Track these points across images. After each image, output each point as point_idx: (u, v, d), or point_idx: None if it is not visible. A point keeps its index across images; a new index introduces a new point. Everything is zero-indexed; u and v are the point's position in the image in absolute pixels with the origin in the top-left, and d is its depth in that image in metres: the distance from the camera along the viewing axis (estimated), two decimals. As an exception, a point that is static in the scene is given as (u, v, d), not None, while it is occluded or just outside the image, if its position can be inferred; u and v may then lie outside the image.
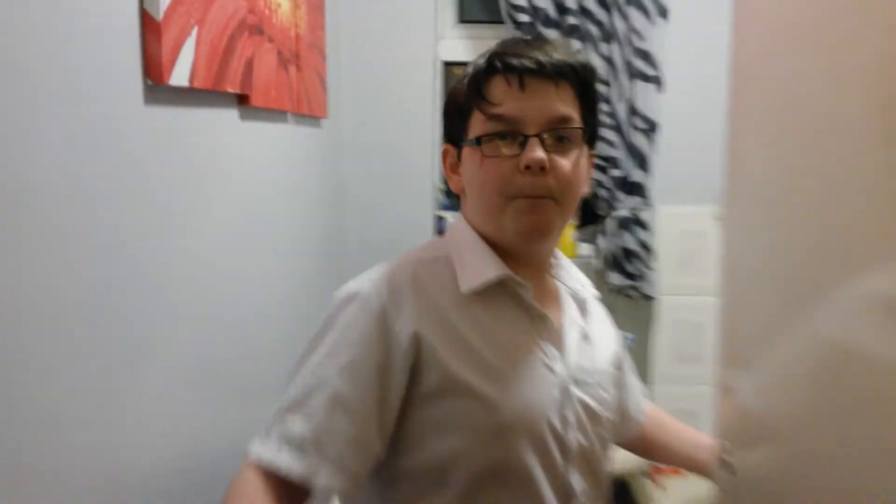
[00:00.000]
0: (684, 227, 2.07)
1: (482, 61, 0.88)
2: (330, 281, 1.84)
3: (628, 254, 2.01)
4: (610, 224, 2.00)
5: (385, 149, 2.04)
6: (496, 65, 0.86)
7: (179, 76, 0.80)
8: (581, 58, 0.90)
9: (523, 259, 0.91)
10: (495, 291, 0.88)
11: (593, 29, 1.92)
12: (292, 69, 1.33)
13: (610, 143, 1.96)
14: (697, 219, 2.06)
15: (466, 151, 0.90)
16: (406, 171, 2.05)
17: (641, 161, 1.96)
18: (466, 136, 0.90)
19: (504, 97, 0.86)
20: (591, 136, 0.92)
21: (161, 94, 0.80)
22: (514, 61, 0.85)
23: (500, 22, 1.98)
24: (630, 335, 2.01)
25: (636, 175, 1.97)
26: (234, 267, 1.09)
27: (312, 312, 1.59)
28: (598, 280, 2.06)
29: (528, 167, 0.84)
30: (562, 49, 0.88)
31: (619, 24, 1.91)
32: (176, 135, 0.86)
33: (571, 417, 0.88)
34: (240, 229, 1.12)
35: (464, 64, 2.14)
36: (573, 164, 0.87)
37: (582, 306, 0.98)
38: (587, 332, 0.96)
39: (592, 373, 0.93)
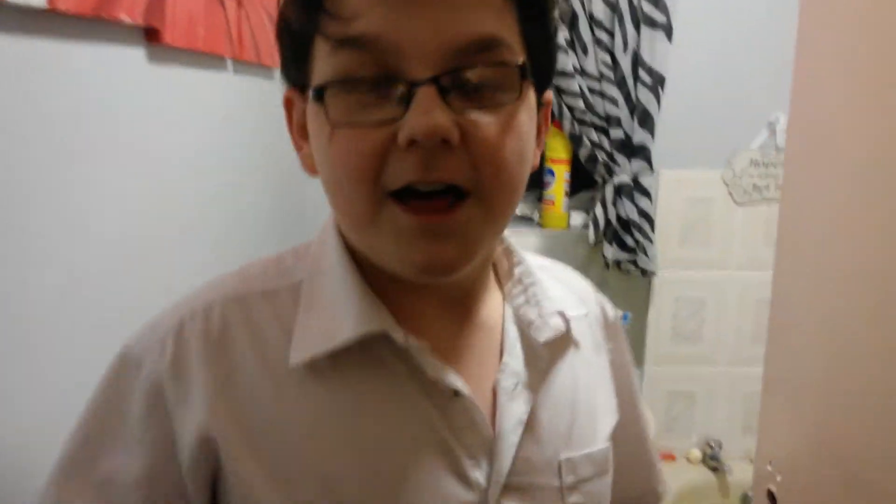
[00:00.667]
0: (689, 193, 1.87)
1: None
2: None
3: (626, 224, 1.80)
4: (608, 191, 1.79)
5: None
6: None
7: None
8: None
9: (425, 286, 0.54)
10: (367, 349, 0.51)
11: (594, -33, 1.67)
12: (230, 4, 1.09)
13: (612, 100, 1.73)
14: (704, 184, 1.86)
15: (310, 110, 0.50)
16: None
17: (646, 120, 1.74)
18: (309, 83, 0.50)
19: (364, 4, 0.45)
20: (540, 72, 0.52)
21: None
22: None
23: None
24: (624, 313, 1.82)
25: (639, 136, 1.75)
26: (135, 265, 0.88)
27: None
28: (593, 253, 1.86)
29: (413, 141, 0.45)
30: None
31: (625, -38, 1.66)
32: (22, 80, 0.64)
33: None
34: (148, 210, 0.90)
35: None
36: (506, 126, 0.48)
37: (537, 352, 0.58)
38: (550, 399, 0.58)
39: (557, 468, 0.56)
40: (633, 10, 1.70)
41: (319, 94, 0.47)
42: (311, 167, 0.54)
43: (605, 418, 0.63)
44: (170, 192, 0.94)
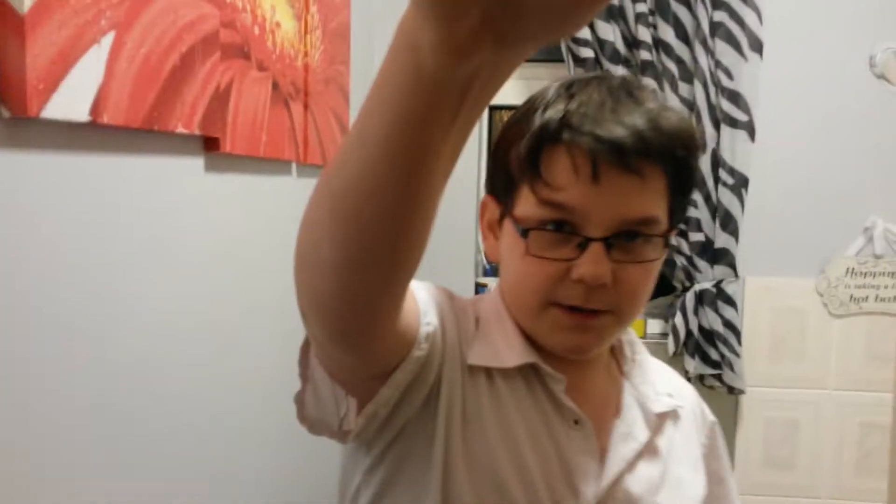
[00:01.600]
0: (778, 303, 1.72)
1: (545, 118, 0.64)
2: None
3: (710, 335, 1.65)
4: (688, 298, 1.66)
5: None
6: (563, 135, 0.63)
7: (66, 105, 0.52)
8: (683, 129, 0.66)
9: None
10: (522, 374, 0.70)
11: (672, 66, 1.61)
12: (296, 108, 1.05)
13: (691, 202, 1.63)
14: (795, 293, 1.71)
15: (508, 227, 0.69)
16: (444, 231, 1.75)
17: (728, 223, 1.62)
18: (512, 209, 0.68)
19: (568, 181, 0.63)
20: (676, 224, 0.71)
21: (26, 129, 0.52)
22: (588, 139, 0.62)
23: (559, 60, 1.70)
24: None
25: (721, 239, 1.63)
26: (200, 381, 0.80)
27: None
28: (673, 366, 1.71)
29: (582, 280, 0.64)
30: (661, 121, 0.64)
31: (703, 60, 1.59)
32: (67, 193, 0.58)
33: None
34: (209, 322, 0.82)
35: (514, 108, 1.89)
36: (646, 274, 0.67)
37: (650, 418, 0.73)
38: (653, 453, 0.72)
39: (644, 501, 0.70)
40: (711, 108, 1.61)
41: (524, 233, 0.66)
42: (493, 258, 0.75)
43: (697, 487, 0.76)
44: (234, 299, 0.87)
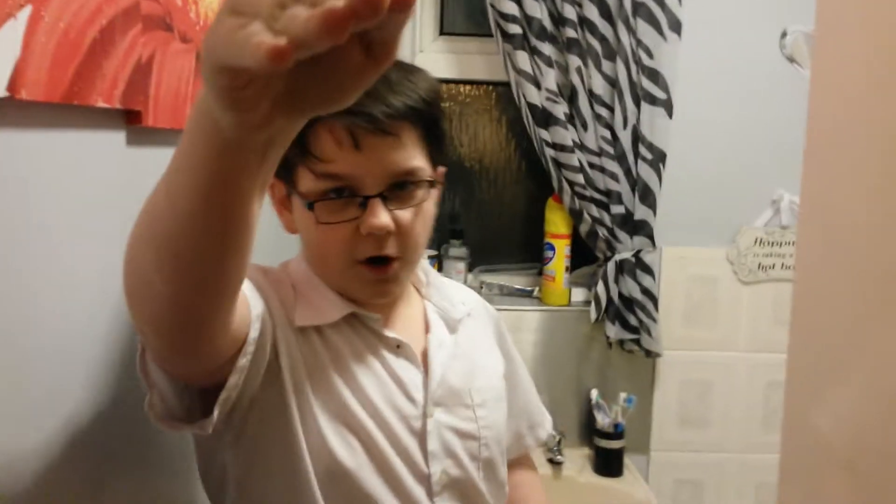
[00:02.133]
0: (692, 271, 1.82)
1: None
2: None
3: (629, 302, 1.74)
4: (609, 268, 1.73)
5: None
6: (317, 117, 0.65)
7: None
8: (424, 89, 0.79)
9: None
10: (346, 321, 0.83)
11: (595, 44, 1.66)
12: (221, 79, 1.05)
13: (612, 176, 1.69)
14: (708, 262, 1.81)
15: (297, 203, 0.81)
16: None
17: (647, 195, 1.70)
18: (295, 186, 0.80)
19: (335, 154, 0.76)
20: (436, 164, 0.84)
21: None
22: (343, 115, 0.69)
23: (487, 34, 1.73)
24: (629, 396, 1.74)
25: (640, 212, 1.71)
26: (113, 352, 0.81)
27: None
28: (595, 332, 1.79)
29: (370, 233, 0.77)
30: (403, 87, 0.76)
31: (626, 39, 1.65)
32: None
33: (435, 446, 0.83)
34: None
35: (445, 81, 1.91)
36: (420, 215, 0.81)
37: (453, 325, 0.92)
38: (461, 351, 0.90)
39: (470, 392, 0.88)
40: (632, 86, 1.68)
41: (310, 205, 0.78)
42: (291, 230, 0.86)
43: (497, 366, 0.97)
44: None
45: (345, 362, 0.80)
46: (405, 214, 0.79)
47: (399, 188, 0.78)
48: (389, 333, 0.84)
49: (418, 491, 0.81)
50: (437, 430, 0.83)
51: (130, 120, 0.79)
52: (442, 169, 0.86)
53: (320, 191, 0.77)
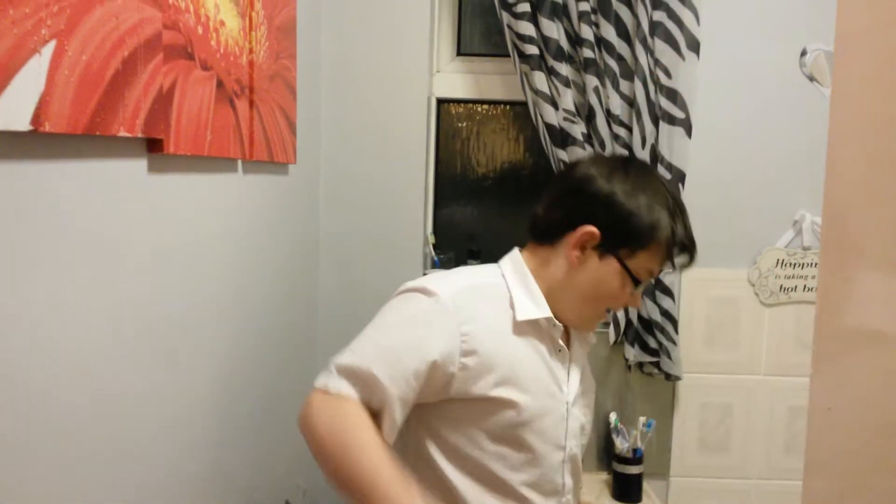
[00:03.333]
0: (712, 293, 1.79)
1: (685, 234, 1.09)
2: (300, 356, 1.54)
3: (649, 325, 1.72)
4: (628, 289, 1.71)
5: (368, 199, 1.76)
6: (689, 250, 1.10)
7: (6, 116, 0.52)
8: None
9: None
10: (540, 323, 1.07)
11: (613, 64, 1.65)
12: (242, 105, 1.05)
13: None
14: (729, 284, 1.78)
15: (611, 262, 1.06)
16: (393, 225, 1.77)
17: (666, 217, 1.68)
18: (627, 258, 1.06)
19: (669, 268, 1.12)
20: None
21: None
22: (692, 257, 1.11)
23: (505, 55, 1.73)
24: (648, 421, 1.72)
25: (660, 233, 1.68)
26: (141, 378, 0.80)
27: (283, 395, 1.30)
28: (614, 354, 1.77)
29: (634, 304, 1.15)
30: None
31: (643, 59, 1.64)
32: (8, 202, 0.58)
33: (571, 428, 1.10)
34: (158, 325, 0.83)
35: (461, 101, 1.92)
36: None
37: (584, 340, 1.18)
38: (585, 364, 1.18)
39: (583, 396, 1.15)
40: (650, 105, 1.67)
41: (637, 282, 1.08)
42: (573, 265, 1.08)
43: (592, 382, 1.24)
44: (184, 299, 0.87)
45: (534, 351, 1.06)
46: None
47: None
48: (560, 340, 1.09)
49: (557, 457, 1.08)
50: (572, 417, 1.10)
51: (152, 148, 0.80)
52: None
53: (648, 276, 1.10)
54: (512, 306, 1.05)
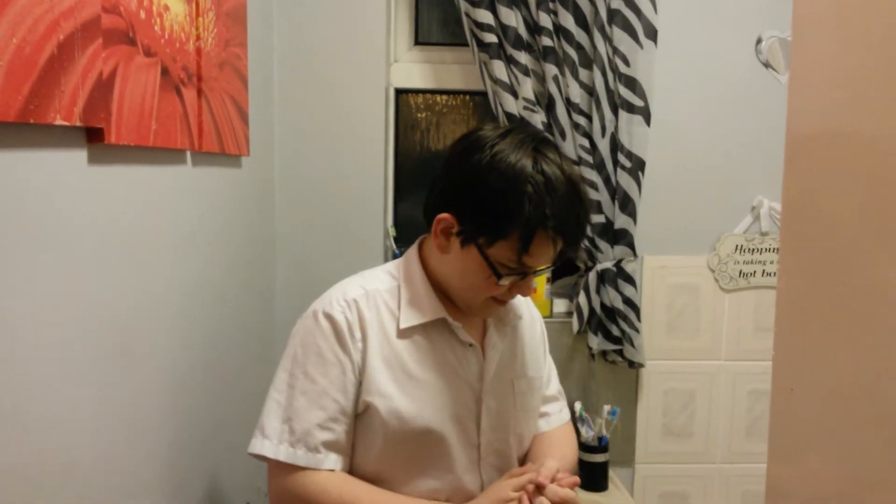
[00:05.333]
0: (674, 280, 1.80)
1: (541, 214, 0.94)
2: (257, 354, 1.50)
3: (611, 313, 1.72)
4: (591, 278, 1.71)
5: (326, 192, 1.72)
6: (549, 230, 0.95)
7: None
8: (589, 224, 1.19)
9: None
10: (434, 323, 1.05)
11: (572, 52, 1.64)
12: (189, 94, 1.01)
13: (591, 185, 1.68)
14: (689, 270, 1.80)
15: (474, 251, 0.99)
16: (352, 218, 1.74)
17: (627, 204, 1.68)
18: (486, 247, 0.98)
19: (540, 253, 0.98)
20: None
21: None
22: (563, 235, 0.97)
23: (462, 44, 1.70)
24: (613, 409, 1.72)
25: (621, 221, 1.69)
26: (85, 372, 0.76)
27: (241, 394, 1.26)
28: (577, 343, 1.77)
29: (520, 294, 1.05)
30: (586, 223, 1.02)
31: (602, 47, 1.64)
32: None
33: (485, 423, 1.08)
34: (103, 322, 0.79)
35: (420, 91, 1.89)
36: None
37: (504, 327, 1.13)
38: (510, 351, 1.13)
39: (513, 382, 1.12)
40: (609, 94, 1.66)
41: (499, 276, 0.99)
42: (443, 251, 1.03)
43: (536, 363, 1.18)
44: (131, 295, 0.83)
45: (429, 353, 1.04)
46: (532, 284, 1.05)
47: (543, 272, 1.05)
48: (465, 336, 1.06)
49: (472, 455, 1.07)
50: (487, 411, 1.07)
51: (92, 138, 0.75)
52: None
53: (512, 269, 0.99)
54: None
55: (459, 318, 1.06)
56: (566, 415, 1.28)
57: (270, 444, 0.98)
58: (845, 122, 0.61)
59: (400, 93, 1.86)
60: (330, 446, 0.99)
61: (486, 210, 0.95)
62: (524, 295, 1.05)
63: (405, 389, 1.01)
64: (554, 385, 1.27)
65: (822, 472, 0.66)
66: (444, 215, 0.99)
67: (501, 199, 0.94)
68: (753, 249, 1.79)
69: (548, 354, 1.28)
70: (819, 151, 0.67)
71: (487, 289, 1.01)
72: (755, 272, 1.79)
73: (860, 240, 0.58)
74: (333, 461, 0.99)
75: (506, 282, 0.99)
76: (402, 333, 1.03)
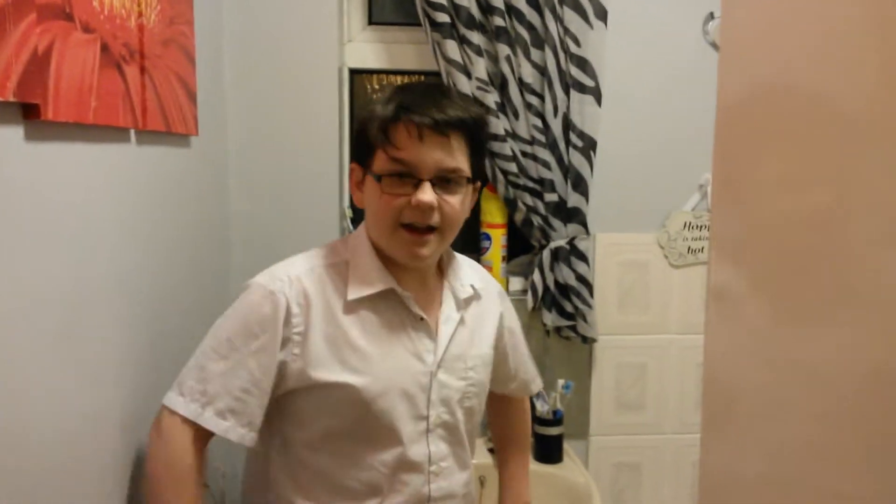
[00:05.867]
0: (625, 257, 1.84)
1: (390, 108, 1.03)
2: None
3: (565, 290, 1.75)
4: (545, 256, 1.74)
5: (281, 172, 1.72)
6: (400, 115, 1.01)
7: None
8: (474, 111, 1.07)
9: (410, 268, 1.10)
10: (384, 296, 1.08)
11: (524, 32, 1.66)
12: (131, 70, 1.00)
13: (544, 164, 1.70)
14: (639, 247, 1.84)
15: (369, 179, 1.06)
16: (307, 199, 1.73)
17: (579, 183, 1.71)
18: (371, 167, 1.05)
19: (405, 144, 1.02)
20: (476, 176, 1.10)
21: None
22: (416, 116, 1.01)
23: (416, 24, 1.71)
24: (566, 383, 1.76)
25: (573, 199, 1.72)
26: (24, 357, 0.76)
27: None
28: (532, 320, 1.80)
29: (418, 205, 1.01)
30: (458, 104, 1.05)
31: (553, 27, 1.65)
32: None
33: (434, 397, 1.10)
34: (42, 306, 0.78)
35: (373, 72, 1.89)
36: (458, 202, 1.06)
37: (460, 303, 1.16)
38: (465, 325, 1.16)
39: (465, 358, 1.15)
40: (561, 74, 1.68)
41: (379, 178, 1.03)
42: (360, 204, 1.10)
43: (489, 339, 1.22)
44: (72, 277, 0.82)
45: (378, 327, 1.06)
46: (446, 199, 1.03)
47: (445, 181, 1.03)
48: (416, 309, 1.09)
49: (419, 426, 1.09)
50: (438, 386, 1.10)
51: (28, 114, 0.75)
52: (478, 183, 1.13)
53: (389, 170, 1.02)
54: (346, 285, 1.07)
55: (411, 291, 1.09)
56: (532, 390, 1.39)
57: (183, 400, 1.01)
58: (773, 97, 0.64)
59: (354, 73, 1.86)
60: (237, 416, 1.01)
61: (359, 136, 1.08)
62: (422, 209, 1.01)
63: (349, 363, 1.04)
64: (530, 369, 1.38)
65: (756, 438, 0.69)
66: (352, 165, 1.11)
67: (366, 119, 1.06)
68: (701, 226, 1.83)
69: (516, 330, 1.33)
70: (747, 129, 0.69)
71: (387, 211, 1.02)
72: (703, 248, 1.84)
73: (789, 207, 0.60)
74: (237, 433, 1.02)
75: (391, 186, 1.01)
76: (349, 307, 1.05)
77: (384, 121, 1.02)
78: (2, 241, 0.71)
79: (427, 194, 1.01)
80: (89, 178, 0.91)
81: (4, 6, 0.68)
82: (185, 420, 1.01)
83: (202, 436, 1.03)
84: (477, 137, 1.08)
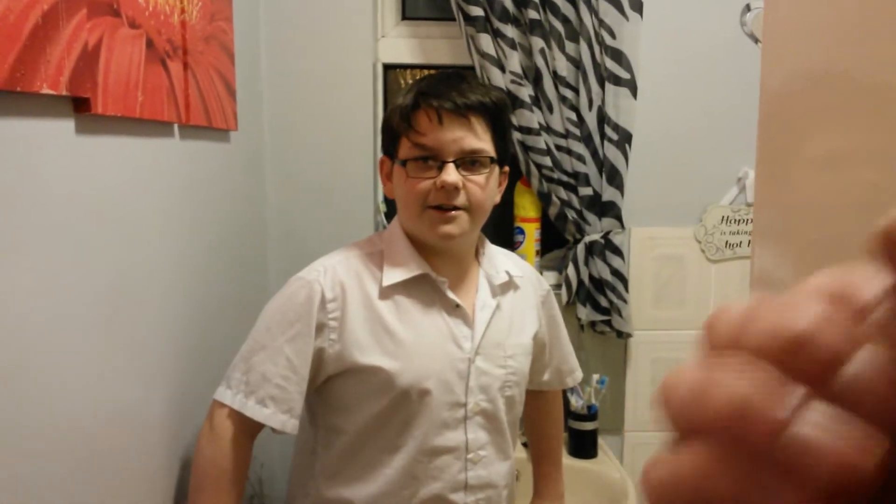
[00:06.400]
0: (661, 251, 1.82)
1: (410, 97, 1.06)
2: (249, 324, 1.52)
3: (599, 284, 1.74)
4: (579, 250, 1.73)
5: (316, 166, 1.73)
6: (420, 102, 1.05)
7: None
8: (494, 95, 1.09)
9: (444, 253, 1.12)
10: (419, 282, 1.09)
11: (558, 25, 1.65)
12: (175, 66, 1.02)
13: (579, 158, 1.69)
14: (676, 242, 1.82)
15: (396, 167, 1.09)
16: (342, 193, 1.75)
17: (614, 177, 1.70)
18: (397, 155, 1.09)
19: (426, 128, 1.05)
20: (501, 158, 1.12)
21: None
22: (434, 101, 1.04)
23: (450, 18, 1.71)
24: (601, 378, 1.75)
25: (608, 193, 1.71)
26: (73, 348, 0.78)
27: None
28: (567, 315, 1.79)
29: (443, 186, 1.04)
30: (478, 88, 1.08)
31: (588, 20, 1.64)
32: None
33: (473, 383, 1.11)
34: (91, 295, 0.80)
35: (408, 67, 1.89)
36: (484, 182, 1.07)
37: (495, 290, 1.16)
38: (502, 312, 1.16)
39: (504, 346, 1.15)
40: (596, 66, 1.67)
41: (404, 163, 1.06)
42: (390, 195, 1.13)
43: (529, 328, 1.22)
44: (119, 267, 0.84)
45: (413, 313, 1.08)
46: (472, 179, 1.06)
47: (470, 163, 1.06)
48: (451, 295, 1.11)
49: (457, 413, 1.10)
50: (476, 373, 1.11)
51: (79, 108, 0.77)
52: (506, 168, 1.15)
53: (413, 155, 1.05)
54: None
55: (446, 277, 1.11)
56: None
57: (230, 393, 1.04)
58: (817, 92, 0.63)
59: (388, 68, 1.87)
60: (277, 402, 1.03)
61: (385, 128, 1.11)
62: (447, 190, 1.03)
63: (386, 348, 1.06)
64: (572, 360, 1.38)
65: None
66: (381, 158, 1.14)
67: (390, 111, 1.10)
68: (739, 220, 1.81)
69: (562, 332, 1.34)
70: (791, 122, 0.68)
71: (414, 195, 1.05)
72: (741, 242, 1.81)
73: (835, 187, 0.60)
74: (279, 420, 1.03)
75: (415, 170, 1.04)
76: (384, 293, 1.08)
77: (405, 109, 1.05)
78: (52, 232, 0.73)
79: (451, 175, 1.03)
80: (135, 171, 0.93)
81: (58, 2, 0.70)
82: (233, 412, 1.04)
83: (249, 428, 1.06)
84: (498, 119, 1.09)
